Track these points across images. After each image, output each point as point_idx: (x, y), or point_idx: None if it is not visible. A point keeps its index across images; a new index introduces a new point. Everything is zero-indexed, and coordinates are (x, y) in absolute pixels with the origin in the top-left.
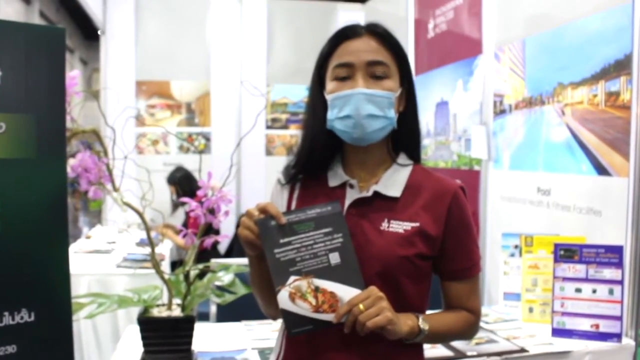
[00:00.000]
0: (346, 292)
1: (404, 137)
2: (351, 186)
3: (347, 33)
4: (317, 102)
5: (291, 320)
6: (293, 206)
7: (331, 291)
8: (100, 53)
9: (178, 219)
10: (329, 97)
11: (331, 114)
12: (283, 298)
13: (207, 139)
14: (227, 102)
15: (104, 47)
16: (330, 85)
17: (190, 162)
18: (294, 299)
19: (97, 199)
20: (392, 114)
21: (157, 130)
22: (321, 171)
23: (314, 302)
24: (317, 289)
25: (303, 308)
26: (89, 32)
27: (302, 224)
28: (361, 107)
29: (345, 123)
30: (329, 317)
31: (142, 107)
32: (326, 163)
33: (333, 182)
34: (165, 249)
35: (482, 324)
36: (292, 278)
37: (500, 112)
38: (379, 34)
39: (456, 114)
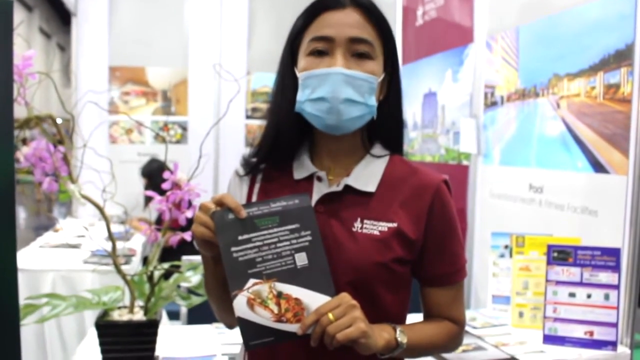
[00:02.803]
0: (314, 299)
1: (383, 127)
2: (319, 179)
3: (328, 3)
4: (286, 81)
5: (249, 331)
6: (254, 200)
7: (296, 297)
8: (72, 37)
9: (153, 212)
10: (301, 75)
11: (302, 95)
12: (240, 304)
13: (184, 128)
14: (205, 90)
15: (75, 31)
16: (303, 61)
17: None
18: (252, 306)
19: (51, 191)
20: (373, 101)
21: (131, 119)
22: (286, 161)
23: (275, 309)
24: (280, 295)
25: (263, 316)
26: (67, 17)
27: (265, 219)
28: (338, 90)
29: (318, 107)
30: (293, 327)
31: (116, 94)
32: (292, 151)
33: (299, 174)
34: (137, 243)
35: (469, 329)
36: (251, 281)
37: (491, 104)
38: (365, 6)
39: (445, 105)
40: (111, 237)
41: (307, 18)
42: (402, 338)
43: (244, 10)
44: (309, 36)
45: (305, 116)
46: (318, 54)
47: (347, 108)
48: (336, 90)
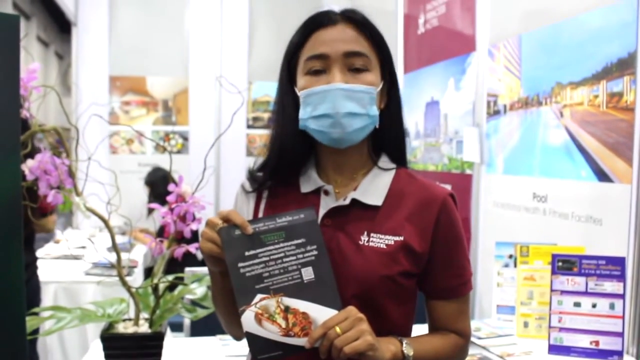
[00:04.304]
0: (321, 313)
1: (386, 137)
2: (326, 193)
3: (321, 20)
4: (286, 99)
5: (257, 345)
6: (260, 216)
7: (303, 311)
8: (72, 46)
9: (153, 222)
10: (301, 93)
11: (304, 113)
12: (248, 319)
13: (185, 138)
14: (206, 99)
15: (75, 40)
16: (302, 80)
17: (167, 162)
18: (260, 321)
19: (56, 204)
20: (375, 110)
21: (131, 129)
22: (292, 176)
23: (283, 324)
24: (287, 309)
25: (271, 331)
26: (65, 25)
27: (271, 234)
28: (340, 105)
29: (322, 122)
30: (300, 341)
31: (116, 103)
32: (298, 167)
33: (306, 187)
34: (138, 254)
35: (474, 339)
36: (258, 296)
37: (494, 112)
38: (356, 21)
39: (447, 114)
40: (116, 249)
41: (301, 37)
42: (408, 350)
43: (244, 20)
44: (305, 55)
45: (309, 132)
46: (315, 72)
47: (350, 121)
48: (337, 105)
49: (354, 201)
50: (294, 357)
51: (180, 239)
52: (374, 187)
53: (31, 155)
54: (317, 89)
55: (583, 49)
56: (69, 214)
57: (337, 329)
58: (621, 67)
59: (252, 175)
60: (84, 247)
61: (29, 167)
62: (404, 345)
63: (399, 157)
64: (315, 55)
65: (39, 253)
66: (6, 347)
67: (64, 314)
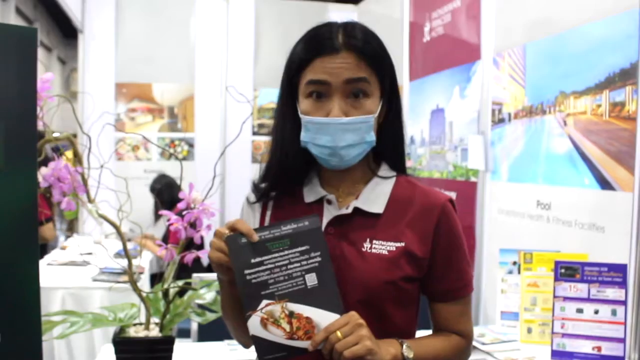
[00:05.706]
0: (323, 318)
1: (386, 146)
2: (329, 202)
3: (323, 48)
4: (287, 114)
5: (263, 347)
6: None
7: (307, 316)
8: (78, 53)
9: (160, 229)
10: (303, 117)
11: (305, 136)
12: (254, 324)
13: (191, 145)
14: (212, 106)
15: (82, 47)
16: (304, 103)
17: (172, 169)
18: (266, 325)
19: (70, 211)
20: (372, 136)
21: (137, 136)
22: (296, 186)
23: (287, 328)
24: (291, 314)
25: (276, 335)
26: (68, 30)
27: (276, 242)
28: (339, 139)
29: (321, 151)
30: (304, 344)
31: (122, 110)
32: (301, 176)
33: (309, 197)
34: (144, 261)
35: (478, 345)
36: (264, 302)
37: (498, 121)
38: (358, 48)
39: (452, 122)
40: (128, 255)
41: (303, 62)
42: (408, 353)
43: (250, 27)
44: (307, 78)
45: (310, 152)
46: (317, 96)
47: (348, 151)
48: (336, 139)
49: (356, 210)
50: (297, 358)
51: (188, 245)
52: (375, 196)
53: (44, 162)
54: (317, 120)
55: (586, 59)
56: (70, 220)
57: (338, 334)
58: (623, 77)
59: (255, 187)
60: (90, 254)
61: (42, 174)
62: (404, 347)
63: (399, 165)
64: (316, 80)
65: (45, 260)
66: (23, 350)
67: (76, 318)
